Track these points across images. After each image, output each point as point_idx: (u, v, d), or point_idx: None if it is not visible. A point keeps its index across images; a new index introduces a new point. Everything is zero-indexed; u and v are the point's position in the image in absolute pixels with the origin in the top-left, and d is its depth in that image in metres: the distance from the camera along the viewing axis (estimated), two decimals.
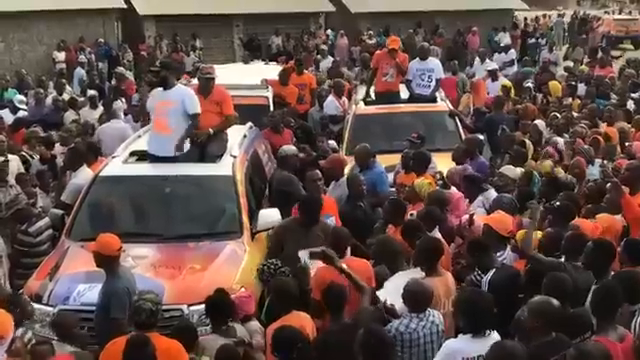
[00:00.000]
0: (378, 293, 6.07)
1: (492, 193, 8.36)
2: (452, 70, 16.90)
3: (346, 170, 9.37)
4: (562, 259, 6.23)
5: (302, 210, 7.41)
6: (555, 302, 5.12)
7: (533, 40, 28.01)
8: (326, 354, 5.37)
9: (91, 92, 15.84)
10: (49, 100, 15.32)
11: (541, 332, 5.03)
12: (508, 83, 15.46)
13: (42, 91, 16.11)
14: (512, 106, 13.79)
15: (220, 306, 5.98)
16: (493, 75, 16.27)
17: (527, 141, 10.52)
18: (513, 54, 21.91)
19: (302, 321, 5.74)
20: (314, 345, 5.50)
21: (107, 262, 6.30)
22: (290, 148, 9.60)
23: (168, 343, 5.44)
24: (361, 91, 13.57)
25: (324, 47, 23.77)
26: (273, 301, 6.14)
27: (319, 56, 21.61)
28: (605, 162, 9.37)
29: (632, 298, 5.41)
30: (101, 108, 14.48)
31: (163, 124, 8.19)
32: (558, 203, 7.42)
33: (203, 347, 5.74)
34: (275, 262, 6.74)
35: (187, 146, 8.23)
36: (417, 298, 5.61)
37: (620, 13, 45.65)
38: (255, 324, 6.14)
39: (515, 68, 20.78)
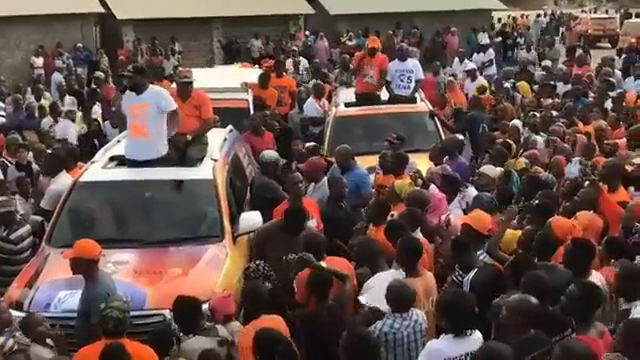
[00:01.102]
0: (361, 299, 6.10)
1: (471, 191, 8.41)
2: (434, 71, 16.97)
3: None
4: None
5: (287, 220, 7.34)
6: (533, 300, 5.16)
7: (499, 39, 27.86)
8: (314, 332, 5.50)
9: (67, 98, 15.75)
10: (25, 106, 15.25)
11: (520, 330, 5.07)
12: (485, 83, 15.53)
13: (21, 97, 16.02)
14: (491, 106, 13.88)
15: (186, 309, 5.97)
16: (472, 75, 16.35)
17: (511, 142, 10.57)
18: (491, 54, 22.03)
19: (277, 325, 5.73)
20: (303, 322, 5.64)
21: (86, 267, 6.25)
22: (272, 154, 9.53)
23: (139, 348, 5.45)
24: (342, 93, 13.62)
25: (295, 48, 23.79)
26: (246, 304, 6.12)
27: (296, 58, 21.64)
28: (583, 160, 9.46)
29: (634, 294, 5.46)
30: (79, 114, 14.44)
31: (140, 128, 8.12)
32: (536, 201, 7.47)
33: (183, 350, 5.74)
34: (266, 264, 6.71)
35: (166, 149, 8.19)
36: (400, 298, 5.64)
37: (595, 12, 46.01)
38: (236, 324, 6.15)
39: (494, 68, 20.90)
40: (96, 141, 13.28)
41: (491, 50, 22.52)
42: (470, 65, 17.78)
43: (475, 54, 22.19)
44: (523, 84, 16.03)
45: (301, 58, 21.48)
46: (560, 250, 6.34)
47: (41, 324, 5.98)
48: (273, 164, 9.32)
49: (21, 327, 6.10)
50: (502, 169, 9.21)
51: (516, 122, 11.99)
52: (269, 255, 7.07)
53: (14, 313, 6.60)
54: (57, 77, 20.52)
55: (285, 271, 6.67)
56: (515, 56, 24.73)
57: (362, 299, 6.05)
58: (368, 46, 12.86)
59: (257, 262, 6.55)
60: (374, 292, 5.96)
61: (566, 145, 10.10)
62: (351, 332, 5.16)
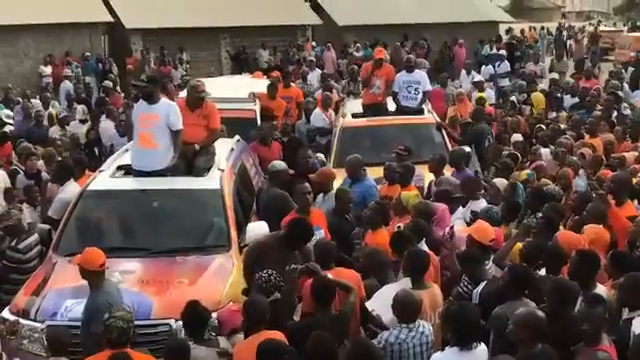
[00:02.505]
0: (367, 304, 6.11)
1: (482, 203, 8.41)
2: (441, 82, 16.98)
3: (337, 182, 9.36)
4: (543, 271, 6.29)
5: (292, 231, 6.96)
6: (540, 314, 5.17)
7: (494, 51, 27.39)
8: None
9: (79, 107, 15.80)
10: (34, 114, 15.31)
11: (527, 344, 5.07)
12: (484, 95, 15.55)
13: (31, 105, 16.09)
14: (500, 118, 13.92)
15: (195, 318, 5.97)
16: (479, 87, 16.35)
17: (518, 154, 10.58)
18: (507, 66, 22.03)
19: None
20: (299, 329, 5.58)
21: (90, 276, 6.30)
22: (280, 164, 9.48)
23: (143, 359, 5.46)
24: (349, 103, 13.65)
25: (312, 59, 23.87)
26: (245, 318, 5.98)
27: (307, 69, 21.71)
28: (589, 171, 9.47)
29: (636, 303, 5.49)
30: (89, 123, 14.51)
31: (148, 139, 8.15)
32: (541, 215, 7.47)
33: None
34: (277, 274, 6.63)
35: (173, 160, 8.21)
36: (407, 309, 5.65)
37: (599, 24, 45.98)
38: (241, 337, 6.13)
39: (507, 80, 20.87)
40: (96, 150, 13.33)
41: (507, 62, 22.52)
42: (478, 77, 17.79)
43: (484, 66, 22.20)
44: (538, 95, 16.03)
45: (317, 69, 21.60)
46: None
47: (70, 340, 6.01)
48: (282, 173, 9.24)
49: (48, 337, 6.15)
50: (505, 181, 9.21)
51: (517, 136, 12.03)
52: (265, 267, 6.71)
53: (22, 321, 6.65)
54: (66, 86, 20.60)
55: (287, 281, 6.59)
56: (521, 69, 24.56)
57: (369, 304, 6.05)
58: (375, 57, 12.91)
59: (269, 272, 6.50)
60: (381, 302, 5.96)
61: (574, 157, 10.10)
62: (355, 342, 5.18)
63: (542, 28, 38.60)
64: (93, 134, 13.82)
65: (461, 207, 8.43)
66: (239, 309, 6.28)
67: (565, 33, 37.63)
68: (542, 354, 5.03)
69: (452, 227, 7.57)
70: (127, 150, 9.17)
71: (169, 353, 5.64)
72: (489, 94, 16.56)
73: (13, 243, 8.04)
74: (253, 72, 19.37)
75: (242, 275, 7.17)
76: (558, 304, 5.36)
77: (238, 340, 6.05)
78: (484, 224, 7.14)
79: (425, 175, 9.90)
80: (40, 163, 11.12)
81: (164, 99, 8.40)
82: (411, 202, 8.13)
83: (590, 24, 47.41)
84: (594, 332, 5.11)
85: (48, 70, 24.27)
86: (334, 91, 16.39)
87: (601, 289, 5.93)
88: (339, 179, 9.58)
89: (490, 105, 15.59)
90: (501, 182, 9.02)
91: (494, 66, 22.01)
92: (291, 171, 9.91)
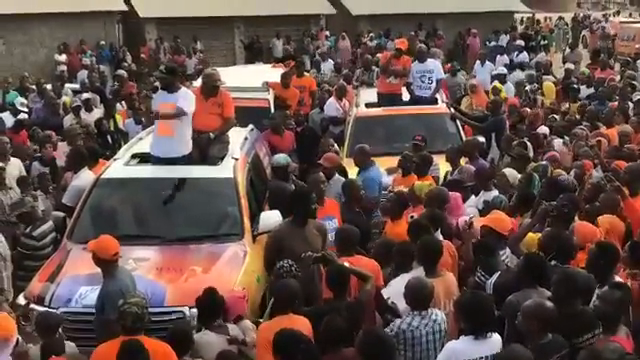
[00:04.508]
0: (383, 292, 6.11)
1: (494, 193, 8.38)
2: (452, 72, 16.87)
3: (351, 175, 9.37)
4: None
5: (295, 205, 7.15)
6: (549, 304, 5.16)
7: (492, 43, 27.04)
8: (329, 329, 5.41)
9: (86, 95, 15.80)
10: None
11: (537, 334, 5.06)
12: (499, 85, 15.48)
13: (54, 95, 16.13)
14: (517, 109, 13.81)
15: (211, 304, 6.01)
16: (501, 79, 16.23)
17: (528, 143, 10.53)
18: (525, 57, 21.87)
19: (302, 327, 5.56)
20: (314, 316, 5.59)
21: (102, 264, 6.34)
22: (281, 159, 9.34)
23: (156, 345, 5.46)
24: (363, 93, 13.62)
25: (325, 49, 23.83)
26: (277, 299, 6.03)
27: (320, 58, 21.64)
28: (603, 162, 9.40)
29: None
30: (96, 111, 14.51)
31: (167, 127, 8.19)
32: (555, 204, 7.43)
33: (197, 348, 5.77)
34: (295, 264, 6.56)
35: (189, 149, 8.24)
36: (417, 296, 5.64)
37: (618, 15, 45.55)
38: (247, 322, 6.16)
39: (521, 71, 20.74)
40: (109, 138, 13.36)
41: (525, 53, 22.37)
42: (501, 69, 17.68)
43: (498, 56, 22.05)
44: (549, 85, 15.91)
45: (329, 59, 21.60)
46: (580, 255, 6.31)
47: (58, 323, 6.04)
48: (283, 168, 9.18)
49: (37, 323, 6.16)
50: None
51: (543, 128, 11.96)
52: (291, 256, 6.75)
53: (36, 308, 6.69)
54: (84, 74, 20.65)
55: (302, 268, 6.61)
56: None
57: (384, 292, 6.07)
58: (395, 47, 12.93)
59: (289, 262, 6.49)
60: (396, 292, 5.96)
61: (587, 149, 10.02)
62: (367, 330, 5.20)
63: (559, 18, 38.31)
64: (105, 123, 13.83)
65: (473, 196, 8.41)
66: (244, 296, 6.31)
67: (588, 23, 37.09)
68: (552, 344, 5.03)
69: (471, 217, 7.53)
70: (141, 138, 9.21)
71: (174, 337, 5.68)
72: (508, 87, 16.37)
73: (27, 230, 8.11)
74: (270, 62, 19.30)
75: (257, 265, 7.21)
76: (564, 295, 5.32)
77: (245, 326, 6.08)
78: (502, 214, 7.11)
79: (441, 165, 9.87)
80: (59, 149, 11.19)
81: (183, 88, 8.48)
82: (424, 192, 8.10)
83: (605, 15, 47.00)
84: (611, 316, 5.09)
85: (63, 59, 24.37)
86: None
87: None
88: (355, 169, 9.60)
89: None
90: (510, 172, 8.97)
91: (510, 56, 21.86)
92: (295, 165, 9.74)
